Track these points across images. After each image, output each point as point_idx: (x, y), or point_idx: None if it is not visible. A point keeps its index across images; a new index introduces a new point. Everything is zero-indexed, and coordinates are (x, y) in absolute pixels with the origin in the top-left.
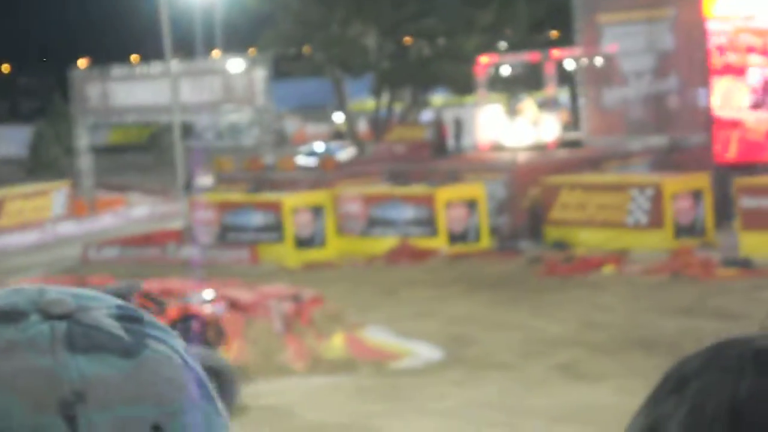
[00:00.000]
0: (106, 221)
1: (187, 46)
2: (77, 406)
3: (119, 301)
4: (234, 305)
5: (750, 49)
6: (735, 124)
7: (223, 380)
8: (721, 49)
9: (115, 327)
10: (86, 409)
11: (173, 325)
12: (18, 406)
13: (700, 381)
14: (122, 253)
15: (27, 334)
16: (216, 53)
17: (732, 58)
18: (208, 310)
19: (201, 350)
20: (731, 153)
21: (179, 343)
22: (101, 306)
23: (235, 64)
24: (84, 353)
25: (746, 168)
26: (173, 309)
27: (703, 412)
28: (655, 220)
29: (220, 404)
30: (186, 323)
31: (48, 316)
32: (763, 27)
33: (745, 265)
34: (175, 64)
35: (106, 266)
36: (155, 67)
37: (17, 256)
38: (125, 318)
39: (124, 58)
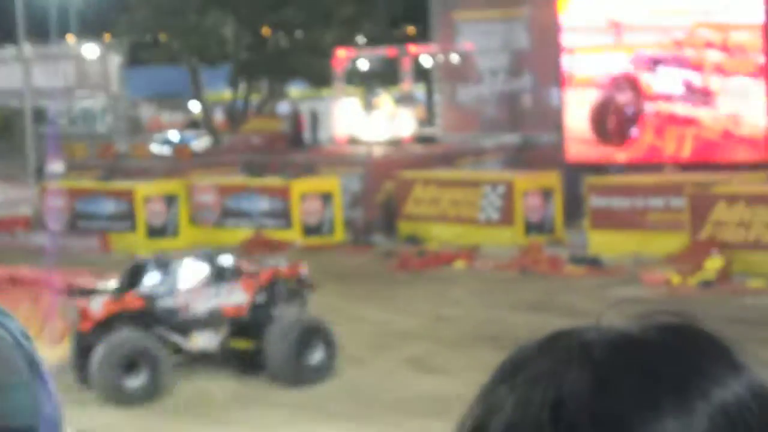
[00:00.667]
0: None
1: (41, 31)
2: None
3: None
4: (83, 294)
5: (708, 45)
6: (689, 122)
7: (323, 335)
8: (679, 44)
9: None
10: None
11: (267, 287)
12: None
13: (530, 371)
14: None
15: None
16: (70, 38)
17: (689, 53)
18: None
19: (296, 311)
20: (686, 152)
21: (14, 324)
22: None
23: (90, 50)
24: None
25: (596, 168)
26: (265, 272)
27: (530, 402)
28: (506, 217)
29: (51, 384)
30: (276, 285)
31: None
32: (724, 22)
33: (593, 263)
34: (27, 49)
35: None
36: (7, 50)
37: None
38: None
39: None
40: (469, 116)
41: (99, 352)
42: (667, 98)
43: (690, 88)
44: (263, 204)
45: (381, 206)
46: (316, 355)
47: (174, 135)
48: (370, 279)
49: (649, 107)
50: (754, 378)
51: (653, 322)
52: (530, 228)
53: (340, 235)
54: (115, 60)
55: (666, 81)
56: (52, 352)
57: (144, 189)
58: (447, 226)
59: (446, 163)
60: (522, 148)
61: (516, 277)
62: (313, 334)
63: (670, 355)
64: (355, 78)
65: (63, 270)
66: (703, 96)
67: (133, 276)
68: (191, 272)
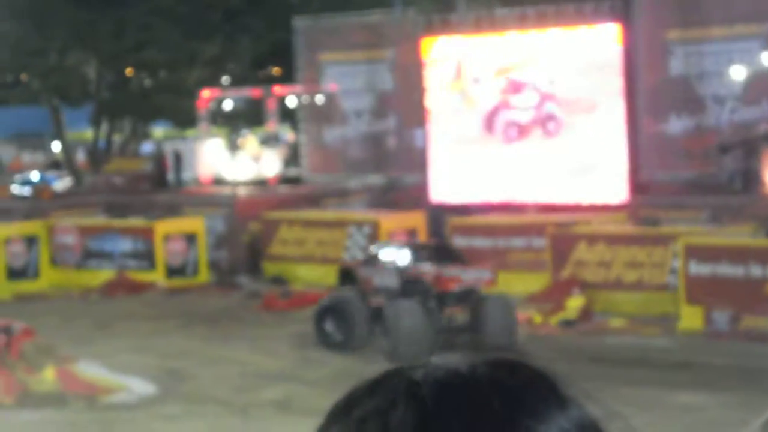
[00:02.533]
0: None
1: None
2: None
3: None
4: None
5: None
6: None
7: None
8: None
9: None
10: None
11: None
12: None
13: (362, 409)
14: None
15: None
16: None
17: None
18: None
19: None
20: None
21: None
22: None
23: None
24: None
25: (459, 209)
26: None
27: None
28: None
29: None
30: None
31: None
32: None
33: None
34: None
35: None
36: None
37: None
38: None
39: None
40: (335, 157)
41: None
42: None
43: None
44: (126, 245)
45: (246, 247)
46: None
47: (35, 175)
48: (235, 320)
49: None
50: (581, 412)
51: (482, 359)
52: None
53: (204, 276)
54: None
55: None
56: None
57: (4, 230)
58: (313, 267)
59: (312, 204)
60: (387, 188)
61: None
62: None
63: (496, 392)
64: (219, 118)
65: None
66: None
67: None
68: None
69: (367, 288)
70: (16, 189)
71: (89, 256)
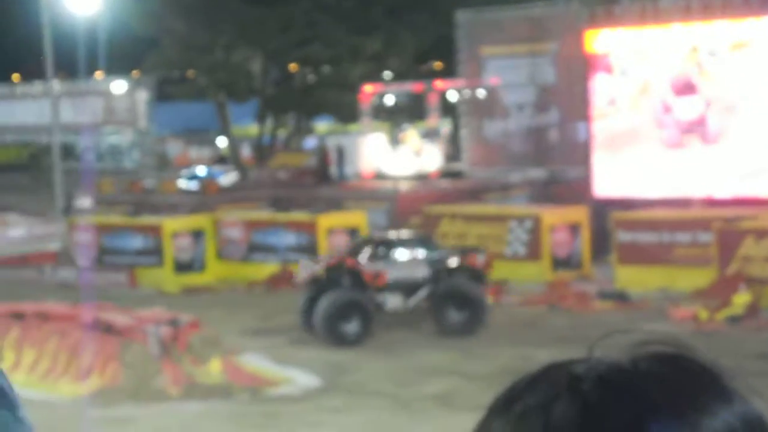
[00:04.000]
0: None
1: (70, 67)
2: None
3: None
4: (109, 329)
5: None
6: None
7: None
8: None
9: None
10: None
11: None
12: None
13: (523, 403)
14: None
15: None
16: (99, 74)
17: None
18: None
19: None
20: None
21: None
22: None
23: (118, 86)
24: None
25: (623, 203)
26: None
27: None
28: (533, 252)
29: (21, 412)
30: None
31: None
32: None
33: (620, 298)
34: (56, 84)
35: None
36: (36, 86)
37: None
38: None
39: (4, 77)
40: (496, 151)
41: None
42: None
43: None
44: (290, 239)
45: None
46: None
47: (201, 170)
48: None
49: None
50: (746, 407)
51: (644, 352)
52: (557, 263)
53: None
54: (143, 96)
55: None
56: (78, 388)
57: (171, 224)
58: None
59: (473, 198)
60: (549, 182)
61: (543, 313)
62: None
63: (659, 386)
64: (381, 113)
65: (91, 305)
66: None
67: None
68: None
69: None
70: (183, 183)
71: (254, 250)
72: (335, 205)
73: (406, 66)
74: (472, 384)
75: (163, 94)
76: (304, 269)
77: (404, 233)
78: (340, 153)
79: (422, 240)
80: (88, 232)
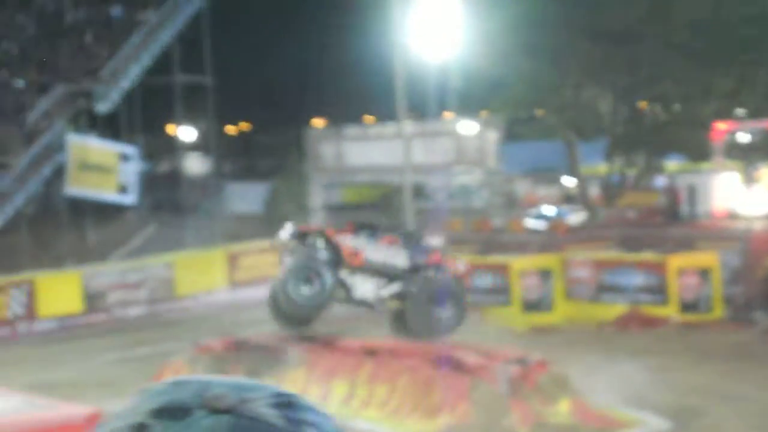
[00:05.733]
0: None
1: (420, 108)
2: None
3: (276, 389)
4: (459, 367)
5: None
6: None
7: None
8: None
9: (274, 416)
10: None
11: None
12: None
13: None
14: None
15: (191, 429)
16: (448, 115)
17: None
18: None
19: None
20: None
21: (331, 424)
22: (260, 396)
23: (467, 126)
24: None
25: None
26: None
27: None
28: None
29: None
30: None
31: (212, 410)
32: None
33: None
34: (408, 126)
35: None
36: (388, 127)
37: (250, 309)
38: (282, 405)
39: (358, 119)
40: None
41: None
42: None
43: None
44: (639, 279)
45: (762, 282)
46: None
47: (549, 209)
48: (749, 357)
49: None
50: None
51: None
52: None
53: (718, 311)
54: (492, 136)
55: None
56: (427, 425)
57: (519, 263)
58: None
59: None
60: None
61: None
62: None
63: None
64: (734, 151)
65: (442, 343)
66: None
67: None
68: None
69: None
70: (530, 223)
71: (603, 290)
72: (686, 245)
73: (761, 103)
74: None
75: (511, 134)
76: (287, 230)
77: (393, 224)
78: (692, 192)
79: (410, 234)
80: None
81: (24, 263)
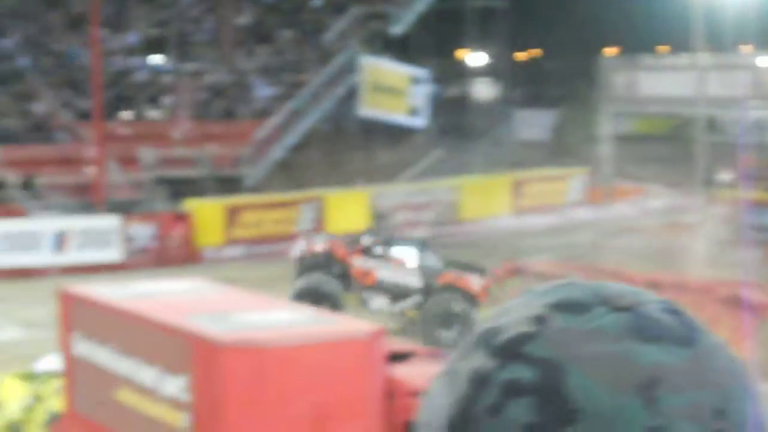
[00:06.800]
0: (621, 210)
1: (717, 40)
2: (653, 390)
3: (660, 297)
4: (747, 305)
5: None
6: None
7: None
8: None
9: (669, 320)
10: (663, 393)
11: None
12: (598, 387)
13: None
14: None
15: (594, 324)
16: (746, 48)
17: None
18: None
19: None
20: None
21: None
22: (653, 300)
23: (766, 61)
24: (651, 342)
25: None
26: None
27: None
28: None
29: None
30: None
31: (613, 308)
32: None
33: None
34: (703, 57)
35: (620, 254)
36: (683, 59)
37: (533, 237)
38: (674, 312)
39: (651, 49)
40: None
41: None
42: None
43: None
44: None
45: None
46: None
47: None
48: None
49: None
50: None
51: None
52: None
53: None
54: None
55: None
56: None
57: None
58: None
59: None
60: None
61: None
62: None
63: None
64: None
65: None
66: None
67: None
68: None
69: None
70: None
71: None
72: None
73: None
74: None
75: None
76: (298, 248)
77: (407, 235)
78: None
79: (423, 245)
80: (726, 206)
81: (315, 180)
